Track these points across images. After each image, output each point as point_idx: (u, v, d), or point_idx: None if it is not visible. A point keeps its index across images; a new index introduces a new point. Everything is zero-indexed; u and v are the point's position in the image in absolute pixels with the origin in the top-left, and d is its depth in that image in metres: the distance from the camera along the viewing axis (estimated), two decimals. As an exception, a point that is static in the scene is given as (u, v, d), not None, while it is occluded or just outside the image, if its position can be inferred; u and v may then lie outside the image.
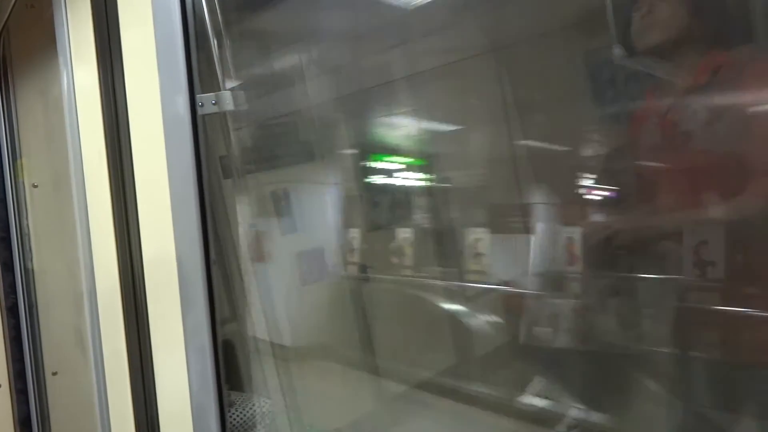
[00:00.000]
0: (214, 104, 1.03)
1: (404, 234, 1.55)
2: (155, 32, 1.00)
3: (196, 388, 1.01)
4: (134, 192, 1.17)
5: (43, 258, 2.30)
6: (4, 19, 2.15)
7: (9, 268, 2.40)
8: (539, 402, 1.23)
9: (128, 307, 1.24)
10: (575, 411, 1.18)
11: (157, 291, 1.14)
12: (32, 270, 2.37)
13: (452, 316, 1.50)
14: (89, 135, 1.37)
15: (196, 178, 0.97)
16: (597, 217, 1.11)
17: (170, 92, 1.00)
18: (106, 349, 1.42)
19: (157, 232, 1.09)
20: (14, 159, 2.37)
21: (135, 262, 1.19)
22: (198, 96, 1.00)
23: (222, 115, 1.05)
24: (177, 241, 1.02)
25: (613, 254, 1.04)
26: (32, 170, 2.29)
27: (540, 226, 1.21)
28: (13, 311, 2.42)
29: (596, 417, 1.15)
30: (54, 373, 2.33)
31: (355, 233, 1.72)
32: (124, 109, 1.16)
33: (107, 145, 1.26)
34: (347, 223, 1.74)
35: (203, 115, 1.03)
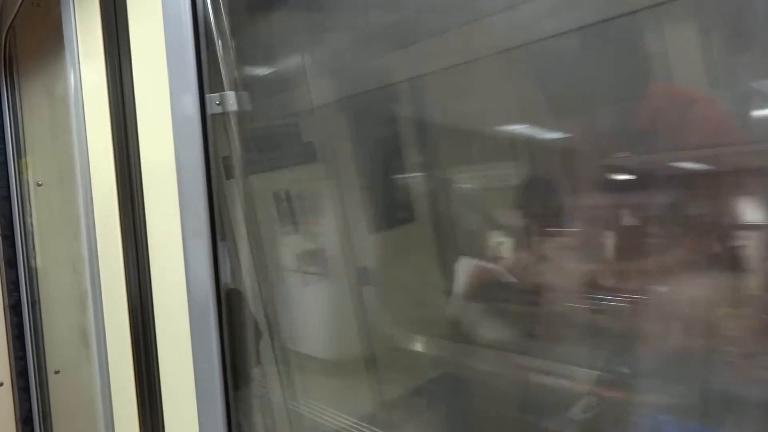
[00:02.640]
0: (218, 105, 1.03)
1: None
2: (165, 31, 1.01)
3: (203, 388, 1.01)
4: (141, 190, 1.17)
5: (47, 256, 2.31)
6: (11, 19, 2.16)
7: (12, 265, 2.40)
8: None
9: (134, 306, 1.25)
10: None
11: (164, 289, 1.14)
12: (35, 268, 2.38)
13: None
14: (96, 133, 1.38)
15: (205, 177, 0.98)
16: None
17: (180, 91, 1.01)
18: (110, 348, 1.42)
19: (165, 230, 1.10)
20: (19, 157, 2.38)
21: (141, 261, 1.19)
22: (206, 96, 1.01)
23: (226, 116, 1.06)
24: (185, 239, 1.02)
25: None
26: (37, 168, 2.30)
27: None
28: (16, 309, 2.42)
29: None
30: (56, 372, 2.33)
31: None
32: (132, 107, 1.16)
33: (114, 144, 1.26)
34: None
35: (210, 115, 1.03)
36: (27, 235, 2.38)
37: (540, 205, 1.07)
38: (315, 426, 1.35)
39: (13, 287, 2.41)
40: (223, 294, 1.01)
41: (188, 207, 1.01)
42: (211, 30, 1.04)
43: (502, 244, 1.15)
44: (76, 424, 2.16)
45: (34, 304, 2.39)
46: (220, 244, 1.01)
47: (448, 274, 1.29)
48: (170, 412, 1.17)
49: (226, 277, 1.05)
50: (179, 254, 1.04)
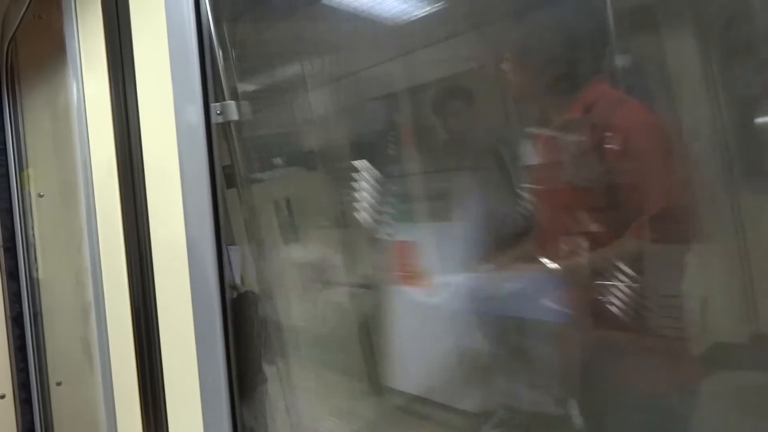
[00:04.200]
0: (219, 114, 1.03)
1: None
2: (169, 41, 1.01)
3: (209, 400, 1.01)
4: (145, 200, 1.17)
5: (49, 267, 2.30)
6: (12, 30, 2.17)
7: (14, 277, 2.40)
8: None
9: (138, 316, 1.24)
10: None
11: (168, 300, 1.14)
12: (37, 279, 2.37)
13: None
14: (99, 144, 1.38)
15: (210, 187, 0.98)
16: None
17: (184, 101, 1.01)
18: (114, 359, 1.42)
19: (169, 240, 1.10)
20: (20, 169, 2.38)
21: (145, 271, 1.19)
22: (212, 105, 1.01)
23: (226, 125, 1.06)
24: (189, 249, 1.02)
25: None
26: (38, 180, 2.30)
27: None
28: (17, 321, 2.41)
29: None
30: (58, 383, 2.32)
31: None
32: (136, 117, 1.17)
33: (117, 154, 1.26)
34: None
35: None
36: (29, 246, 2.37)
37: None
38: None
39: (15, 299, 2.40)
40: (228, 304, 1.01)
41: (193, 216, 1.01)
42: (212, 40, 1.05)
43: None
44: (78, 436, 2.15)
45: (36, 315, 2.39)
46: (225, 253, 1.01)
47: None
48: (175, 424, 1.16)
49: (231, 287, 1.05)
50: (184, 264, 1.03)
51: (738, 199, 0.74)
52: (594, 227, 0.88)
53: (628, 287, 0.79)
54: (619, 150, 0.83)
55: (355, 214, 1.35)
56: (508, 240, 1.06)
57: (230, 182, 1.22)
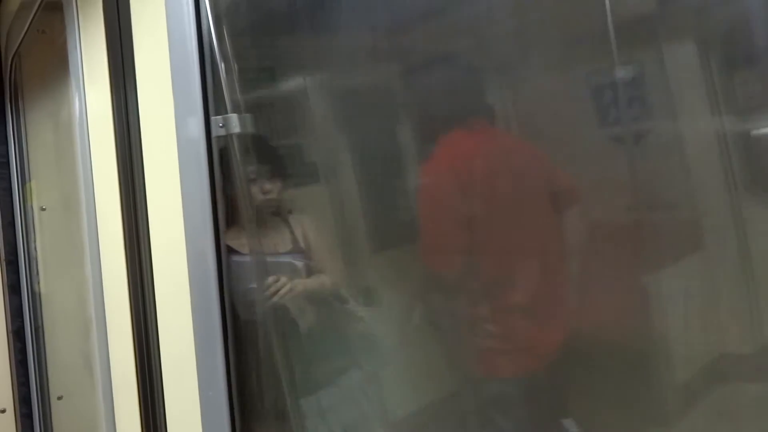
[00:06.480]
0: (221, 127, 1.03)
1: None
2: (170, 55, 1.01)
3: (209, 415, 1.00)
4: (146, 214, 1.17)
5: (50, 281, 2.30)
6: (16, 45, 2.18)
7: (16, 291, 2.39)
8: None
9: (138, 332, 1.24)
10: None
11: (169, 314, 1.13)
12: (39, 293, 2.37)
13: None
14: (101, 157, 1.38)
15: (211, 200, 0.98)
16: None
17: (185, 114, 1.01)
18: (114, 374, 1.41)
19: (170, 255, 1.09)
20: (23, 182, 2.38)
21: (146, 285, 1.18)
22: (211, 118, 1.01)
23: (228, 138, 1.06)
24: (190, 263, 1.02)
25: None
26: (41, 193, 2.30)
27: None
28: (19, 335, 2.40)
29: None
30: (59, 398, 2.31)
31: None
32: (137, 131, 1.17)
33: (119, 168, 1.26)
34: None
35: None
36: (31, 260, 2.37)
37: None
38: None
39: (16, 313, 2.39)
40: (230, 319, 1.00)
41: (194, 230, 1.01)
42: (214, 53, 1.05)
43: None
44: (79, 451, 2.13)
45: (38, 329, 2.38)
46: (225, 267, 1.01)
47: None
48: (176, 439, 1.15)
49: (232, 301, 1.04)
50: (185, 278, 1.03)
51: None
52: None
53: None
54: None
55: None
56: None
57: (233, 195, 1.22)
